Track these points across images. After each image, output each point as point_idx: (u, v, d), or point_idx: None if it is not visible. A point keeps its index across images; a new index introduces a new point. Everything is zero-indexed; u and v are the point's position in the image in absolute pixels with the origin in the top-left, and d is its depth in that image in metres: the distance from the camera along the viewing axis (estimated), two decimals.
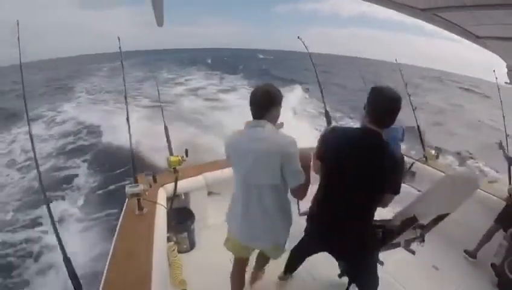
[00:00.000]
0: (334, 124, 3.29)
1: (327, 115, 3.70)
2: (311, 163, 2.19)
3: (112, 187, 7.92)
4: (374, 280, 2.45)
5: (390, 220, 2.38)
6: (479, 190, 3.47)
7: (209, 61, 49.46)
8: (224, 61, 50.82)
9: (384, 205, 2.15)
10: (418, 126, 4.65)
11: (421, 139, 4.58)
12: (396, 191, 2.05)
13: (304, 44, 4.20)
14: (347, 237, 2.21)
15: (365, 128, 1.99)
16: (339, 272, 2.99)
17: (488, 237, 3.47)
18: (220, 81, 27.45)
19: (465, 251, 3.64)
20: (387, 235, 2.36)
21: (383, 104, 1.92)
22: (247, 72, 32.79)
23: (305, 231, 2.53)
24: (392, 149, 2.01)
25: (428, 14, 1.88)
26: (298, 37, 4.23)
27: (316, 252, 2.73)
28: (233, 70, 35.19)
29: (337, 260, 2.53)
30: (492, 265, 3.36)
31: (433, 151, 4.50)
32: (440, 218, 2.35)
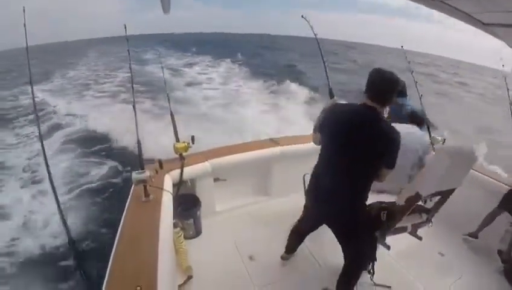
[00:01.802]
0: (335, 98, 3.31)
1: (330, 92, 3.72)
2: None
3: (118, 174, 7.94)
4: (362, 259, 2.50)
5: (394, 202, 2.39)
6: (484, 176, 3.47)
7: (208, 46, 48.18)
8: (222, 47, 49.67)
9: (380, 180, 2.24)
10: (424, 112, 4.61)
11: (427, 125, 4.54)
12: (390, 165, 2.14)
13: (309, 24, 4.13)
14: (339, 208, 2.30)
15: (363, 104, 2.12)
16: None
17: (490, 219, 3.47)
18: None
19: (467, 234, 3.66)
20: (392, 217, 2.38)
21: (379, 82, 2.09)
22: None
23: (304, 207, 2.68)
24: (388, 125, 2.11)
25: (436, 1, 1.87)
26: (302, 16, 4.15)
27: (313, 229, 2.83)
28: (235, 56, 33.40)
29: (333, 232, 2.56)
30: (499, 252, 3.37)
31: (439, 138, 4.48)
32: (443, 199, 2.36)
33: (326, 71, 3.95)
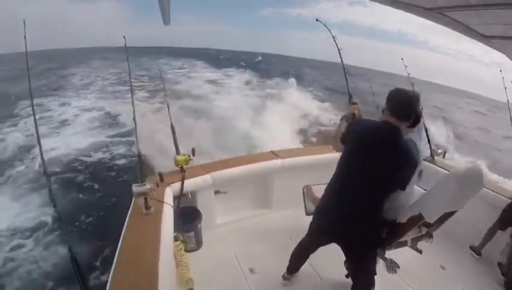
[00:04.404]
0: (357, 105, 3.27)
1: (350, 97, 3.74)
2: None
3: (118, 187, 7.92)
4: (371, 277, 2.46)
5: (395, 218, 2.38)
6: (486, 189, 3.46)
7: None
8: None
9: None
10: (424, 124, 4.61)
11: (427, 137, 4.54)
12: (402, 187, 2.13)
13: (326, 26, 4.13)
14: (356, 226, 2.26)
15: (385, 121, 2.12)
16: (346, 272, 3.00)
17: (491, 234, 3.48)
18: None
19: (471, 247, 3.66)
20: (393, 233, 2.37)
21: (398, 99, 2.09)
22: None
23: (310, 226, 2.59)
24: (409, 147, 2.09)
25: (434, 13, 1.88)
26: (317, 20, 4.16)
27: (319, 246, 2.77)
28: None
29: (343, 250, 2.52)
30: (499, 264, 3.36)
31: (439, 150, 4.48)
32: (446, 216, 2.34)
33: (346, 76, 3.96)
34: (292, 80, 25.21)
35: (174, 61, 39.95)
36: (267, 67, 42.20)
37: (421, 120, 2.57)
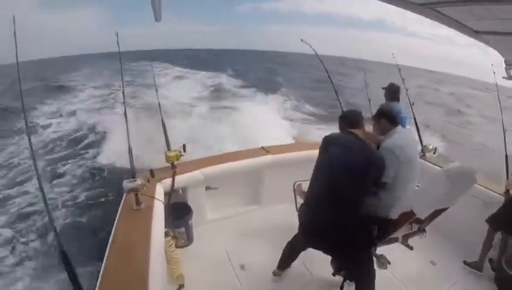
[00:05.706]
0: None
1: (342, 110, 3.82)
2: None
3: (109, 182, 7.88)
4: (369, 274, 2.48)
5: (387, 215, 2.39)
6: (477, 185, 3.47)
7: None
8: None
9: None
10: (415, 120, 4.62)
11: (418, 133, 4.55)
12: (375, 184, 2.35)
13: (311, 47, 4.18)
14: (332, 235, 2.33)
15: (345, 132, 2.49)
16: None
17: (489, 243, 3.31)
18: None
19: (466, 263, 3.47)
20: (384, 230, 2.38)
21: (349, 114, 2.61)
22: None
23: (299, 227, 2.63)
24: (367, 146, 2.35)
25: (426, 8, 1.88)
26: (302, 40, 4.19)
27: (306, 247, 2.85)
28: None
29: (330, 255, 2.65)
30: (490, 260, 3.37)
31: (430, 146, 4.49)
32: (438, 213, 2.35)
33: (337, 95, 4.02)
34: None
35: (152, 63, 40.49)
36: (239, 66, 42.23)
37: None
